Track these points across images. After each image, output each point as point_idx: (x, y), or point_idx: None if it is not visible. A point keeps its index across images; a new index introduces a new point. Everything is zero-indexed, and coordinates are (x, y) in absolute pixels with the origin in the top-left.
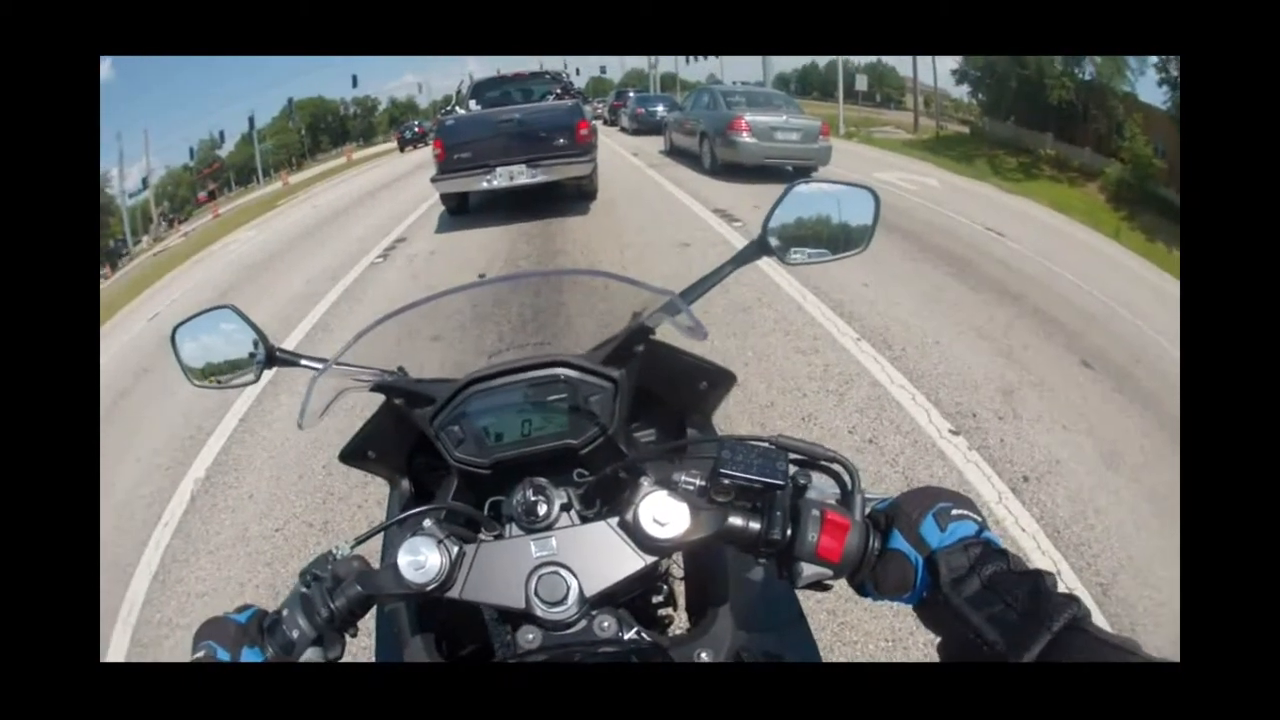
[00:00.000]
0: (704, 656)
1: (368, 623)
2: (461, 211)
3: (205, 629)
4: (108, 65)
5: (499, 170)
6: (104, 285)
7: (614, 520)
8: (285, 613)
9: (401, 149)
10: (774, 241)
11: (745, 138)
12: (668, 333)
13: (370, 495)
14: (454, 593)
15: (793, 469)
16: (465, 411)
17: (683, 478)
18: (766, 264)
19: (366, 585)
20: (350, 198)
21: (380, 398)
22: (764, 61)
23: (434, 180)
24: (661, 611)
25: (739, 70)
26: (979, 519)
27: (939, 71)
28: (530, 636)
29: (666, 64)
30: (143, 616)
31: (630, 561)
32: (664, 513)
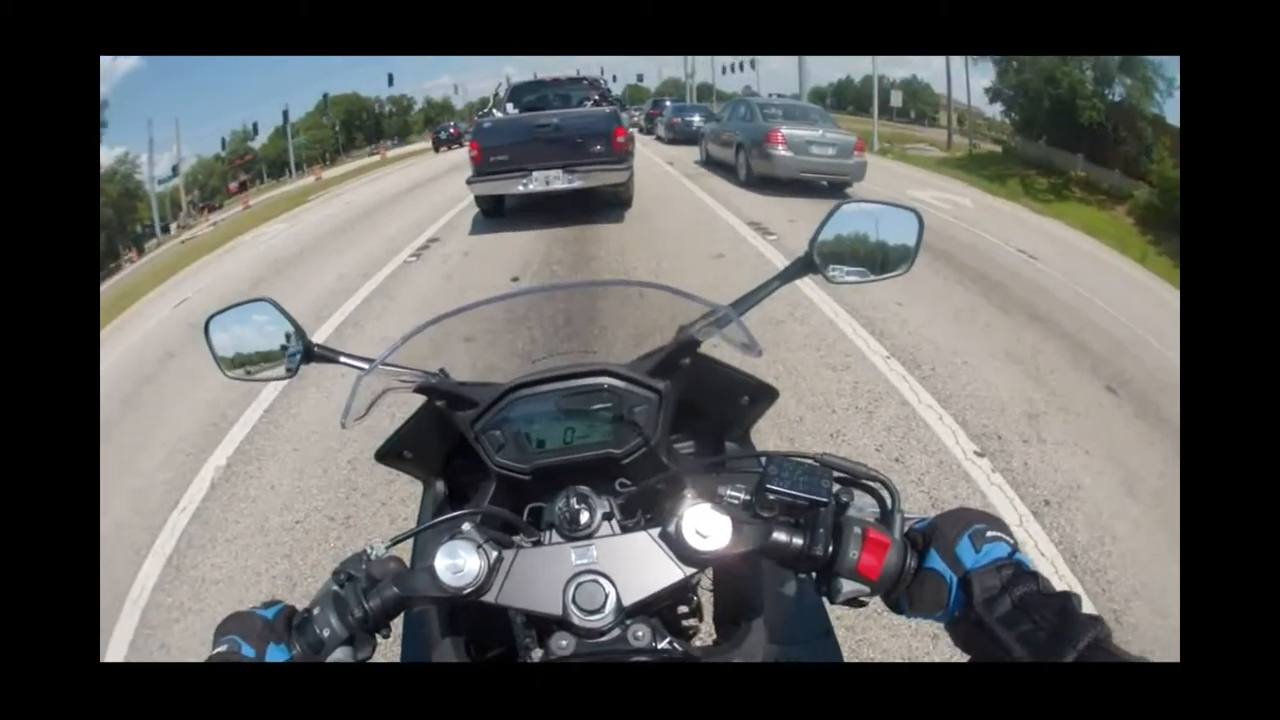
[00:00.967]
0: None
1: (394, 623)
2: (496, 214)
3: (229, 623)
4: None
5: (535, 174)
6: (130, 270)
7: (655, 531)
8: (317, 611)
9: (436, 149)
10: (820, 260)
11: (781, 151)
12: (708, 346)
13: (395, 493)
14: (490, 597)
15: (835, 486)
16: (508, 416)
17: (727, 491)
18: (800, 278)
19: (403, 587)
20: (383, 196)
21: (419, 399)
22: (800, 74)
23: (469, 182)
24: (687, 622)
25: (775, 83)
26: (1011, 541)
27: (973, 90)
28: (564, 643)
29: (703, 74)
30: (153, 599)
31: (669, 572)
32: (707, 525)
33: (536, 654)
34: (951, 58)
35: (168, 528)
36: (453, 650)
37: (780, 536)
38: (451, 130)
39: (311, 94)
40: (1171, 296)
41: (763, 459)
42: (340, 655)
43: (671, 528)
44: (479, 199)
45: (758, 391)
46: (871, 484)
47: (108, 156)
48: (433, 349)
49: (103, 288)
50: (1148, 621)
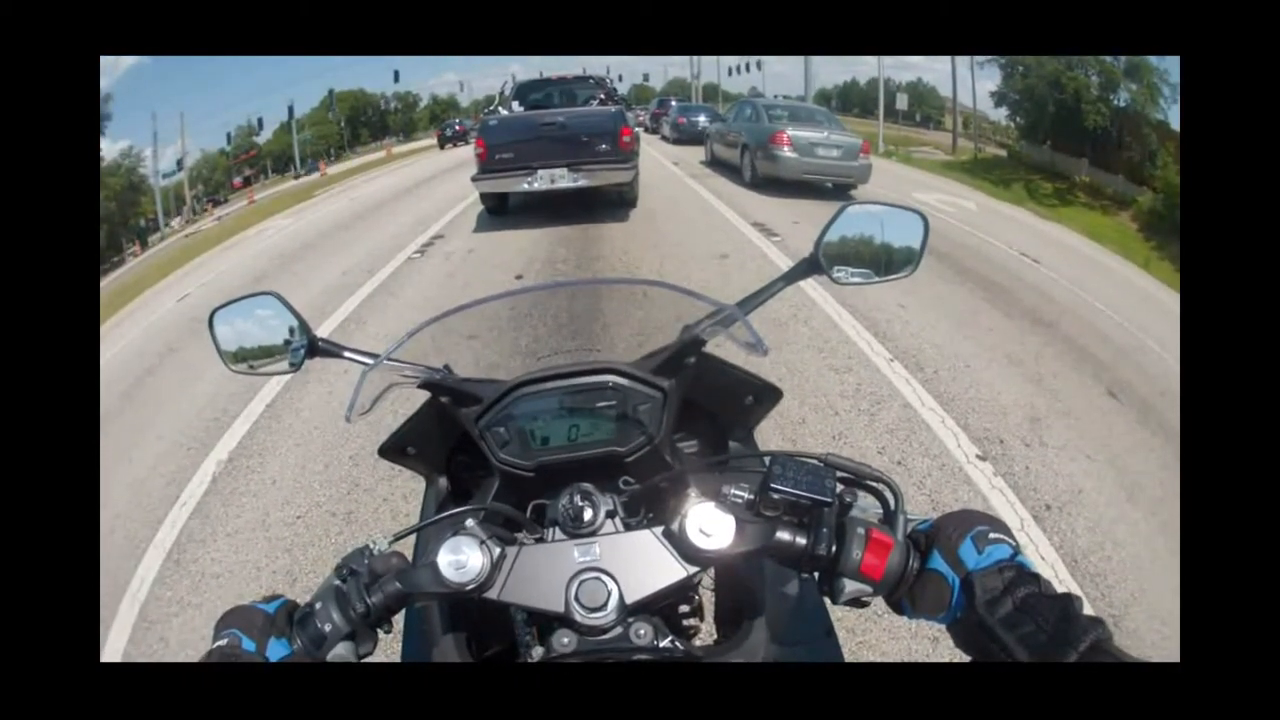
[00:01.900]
0: None
1: (395, 619)
2: (500, 212)
3: (230, 616)
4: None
5: (540, 173)
6: (133, 264)
7: (658, 529)
8: (318, 606)
9: (441, 146)
10: (825, 261)
11: (786, 152)
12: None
13: (397, 489)
14: (493, 594)
15: (839, 487)
16: (512, 413)
17: (731, 490)
18: (805, 279)
19: (406, 583)
20: (388, 192)
21: (422, 395)
22: (805, 76)
23: (474, 179)
24: (688, 621)
25: (780, 84)
26: (1014, 543)
27: (978, 93)
28: (565, 640)
29: (709, 74)
30: (152, 593)
31: (672, 571)
32: (710, 524)
33: (537, 651)
34: (957, 61)
35: (168, 521)
36: (454, 646)
37: (784, 536)
38: (457, 127)
39: (317, 89)
40: (1174, 302)
41: (767, 458)
42: (341, 650)
43: (675, 526)
44: (484, 196)
45: (762, 391)
46: (875, 485)
47: (112, 150)
48: (436, 345)
49: (105, 281)
50: (1146, 626)
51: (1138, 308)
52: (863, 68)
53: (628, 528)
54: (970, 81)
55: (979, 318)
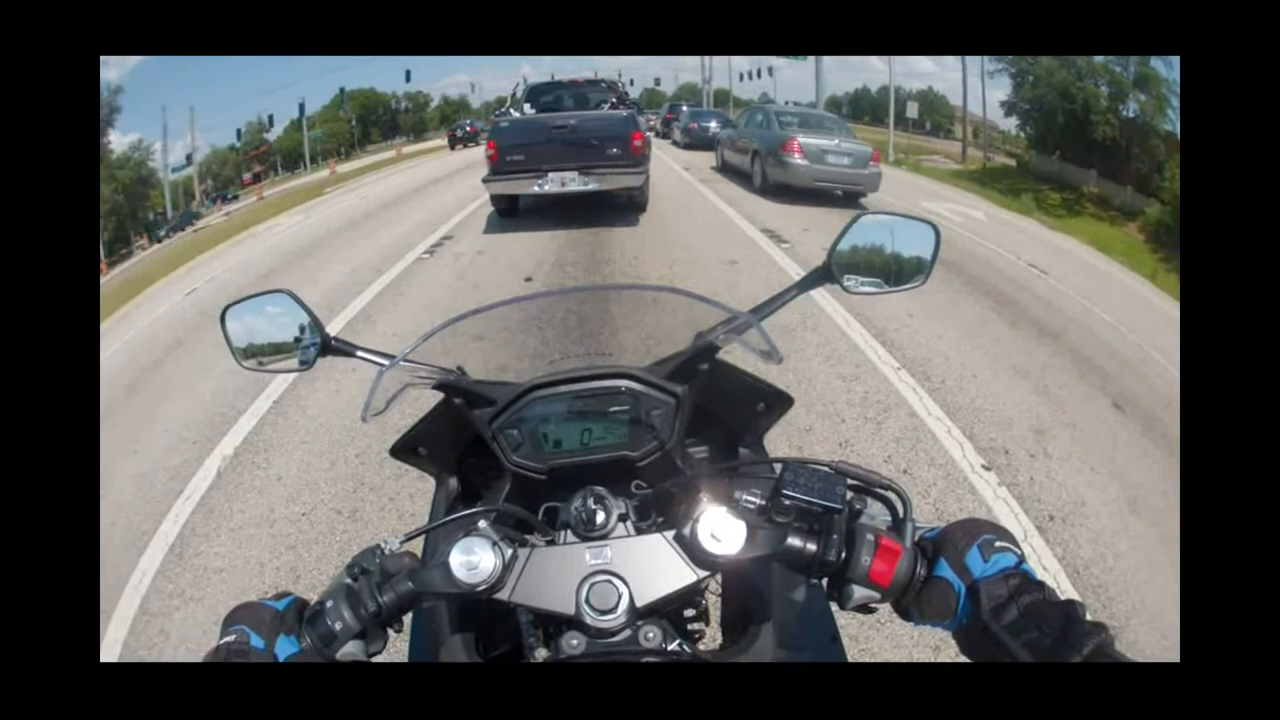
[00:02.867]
0: None
1: (404, 618)
2: (510, 214)
3: (239, 612)
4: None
5: (551, 175)
6: (140, 257)
7: (670, 533)
8: (329, 604)
9: (452, 147)
10: (837, 270)
11: (797, 159)
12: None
13: (403, 488)
14: (503, 595)
15: (848, 494)
16: (525, 416)
17: (743, 496)
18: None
19: (417, 582)
20: (398, 191)
21: (432, 395)
22: (817, 83)
23: (485, 181)
24: (694, 626)
25: (791, 91)
26: (1019, 552)
27: (988, 102)
28: (574, 642)
29: (720, 79)
30: (154, 586)
31: (682, 575)
32: (722, 529)
33: (541, 653)
34: (968, 70)
35: (171, 515)
36: (462, 646)
37: (795, 542)
38: (468, 129)
39: (328, 87)
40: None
41: (778, 465)
42: (351, 649)
43: (686, 530)
44: (494, 198)
45: (773, 398)
46: (884, 492)
47: (121, 142)
48: (448, 347)
49: (113, 274)
50: (1146, 638)
51: (1143, 320)
52: (874, 75)
53: (639, 531)
54: (980, 90)
55: (986, 328)
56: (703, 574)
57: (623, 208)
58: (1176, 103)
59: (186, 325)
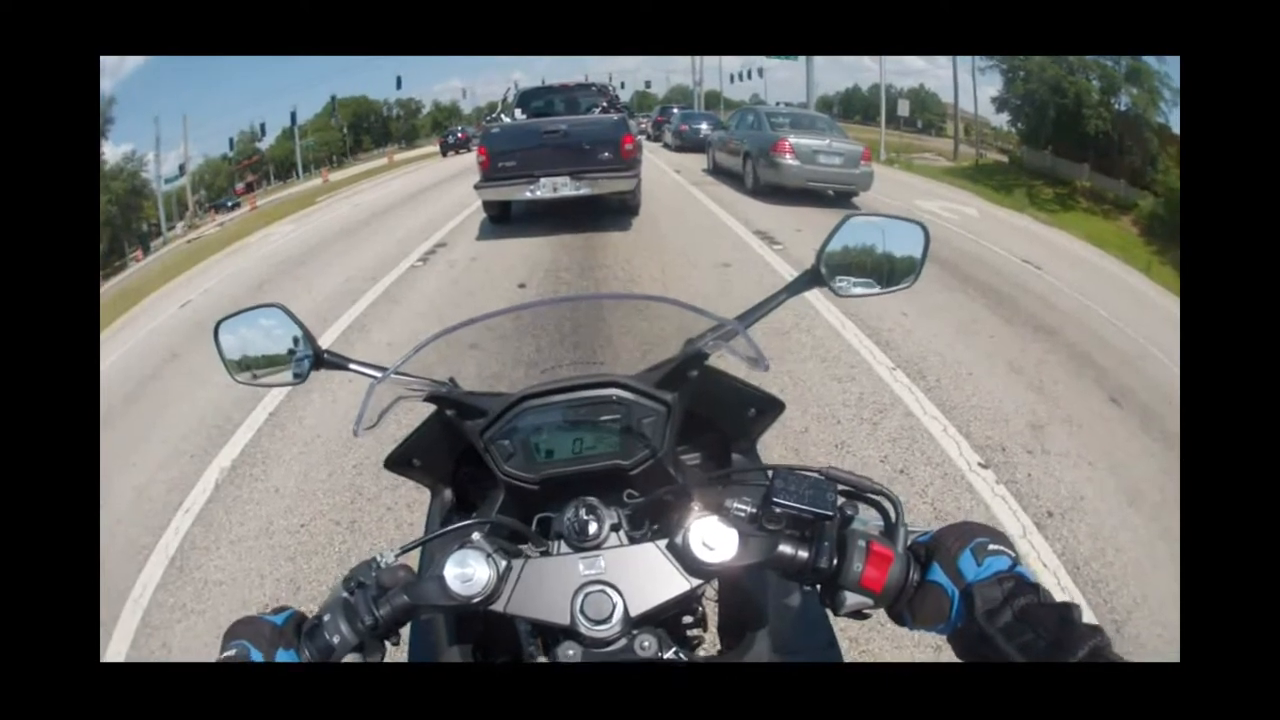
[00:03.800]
0: None
1: (402, 630)
2: (503, 220)
3: (238, 627)
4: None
5: (543, 181)
6: (134, 269)
7: (662, 542)
8: (326, 618)
9: (444, 153)
10: (827, 272)
11: (788, 160)
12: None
13: (401, 498)
14: (499, 606)
15: (840, 500)
16: (517, 426)
17: (734, 504)
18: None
19: (413, 595)
20: (391, 199)
21: (427, 406)
22: (807, 82)
23: (477, 187)
24: (692, 633)
25: (782, 91)
26: (1013, 554)
27: (980, 99)
28: (570, 652)
29: (711, 81)
30: (155, 599)
31: (676, 583)
32: (713, 538)
33: (540, 661)
34: (959, 67)
35: (171, 528)
36: (459, 657)
37: (786, 549)
38: (459, 135)
39: (319, 95)
40: (1175, 307)
41: (769, 472)
42: (350, 662)
43: (679, 539)
44: (486, 204)
45: (764, 404)
46: (875, 497)
47: (114, 153)
48: (441, 357)
49: (107, 286)
50: (1149, 632)
51: (1140, 313)
52: (865, 74)
53: (632, 540)
54: (972, 87)
55: (981, 325)
56: (696, 582)
57: (615, 212)
58: (1168, 94)
59: (182, 337)
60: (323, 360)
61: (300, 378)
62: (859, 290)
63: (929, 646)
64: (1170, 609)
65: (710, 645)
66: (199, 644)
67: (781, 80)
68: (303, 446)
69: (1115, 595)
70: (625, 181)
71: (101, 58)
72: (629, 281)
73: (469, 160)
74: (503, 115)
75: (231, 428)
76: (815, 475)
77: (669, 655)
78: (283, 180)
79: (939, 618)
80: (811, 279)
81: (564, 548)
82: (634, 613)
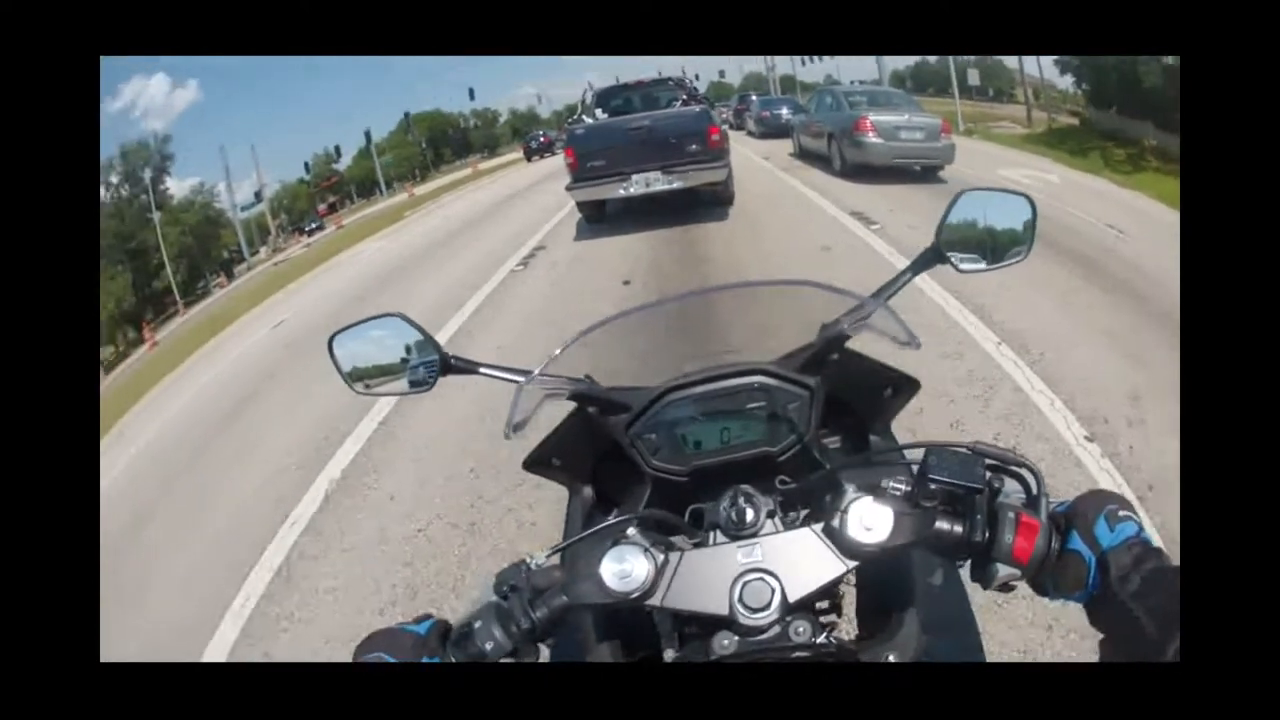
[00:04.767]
0: (892, 659)
1: None
2: (600, 219)
3: (375, 639)
4: (194, 86)
5: (634, 177)
6: (220, 294)
7: (818, 526)
8: (478, 624)
9: (529, 158)
10: (946, 249)
11: (871, 138)
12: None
13: (521, 499)
14: (655, 600)
15: (987, 474)
16: (662, 419)
17: (889, 483)
18: (900, 261)
19: (571, 595)
20: (481, 207)
21: (563, 407)
22: (879, 60)
23: (569, 188)
24: (825, 618)
25: (854, 69)
26: (1138, 519)
27: (1043, 62)
28: (726, 642)
29: (783, 65)
30: (258, 609)
31: (832, 567)
32: (871, 518)
33: (670, 654)
34: None
35: (275, 541)
36: (609, 654)
37: (942, 525)
38: (542, 139)
39: (390, 114)
40: None
41: (919, 449)
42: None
43: (835, 522)
44: (580, 205)
45: (900, 383)
46: (1018, 469)
47: (180, 188)
48: (572, 358)
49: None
50: None
51: None
52: None
53: (786, 526)
54: None
55: (1078, 295)
56: (852, 564)
57: (709, 203)
58: None
59: (277, 357)
60: (450, 366)
61: (427, 385)
62: (976, 265)
63: (1042, 625)
64: None
65: (845, 630)
66: (304, 652)
67: (852, 59)
68: (416, 453)
69: None
70: (716, 172)
71: (156, 104)
72: (731, 272)
73: (555, 163)
74: (584, 116)
75: (339, 439)
76: (964, 451)
77: (821, 639)
78: (365, 198)
79: (1078, 585)
80: (933, 256)
81: (720, 538)
82: (791, 599)
